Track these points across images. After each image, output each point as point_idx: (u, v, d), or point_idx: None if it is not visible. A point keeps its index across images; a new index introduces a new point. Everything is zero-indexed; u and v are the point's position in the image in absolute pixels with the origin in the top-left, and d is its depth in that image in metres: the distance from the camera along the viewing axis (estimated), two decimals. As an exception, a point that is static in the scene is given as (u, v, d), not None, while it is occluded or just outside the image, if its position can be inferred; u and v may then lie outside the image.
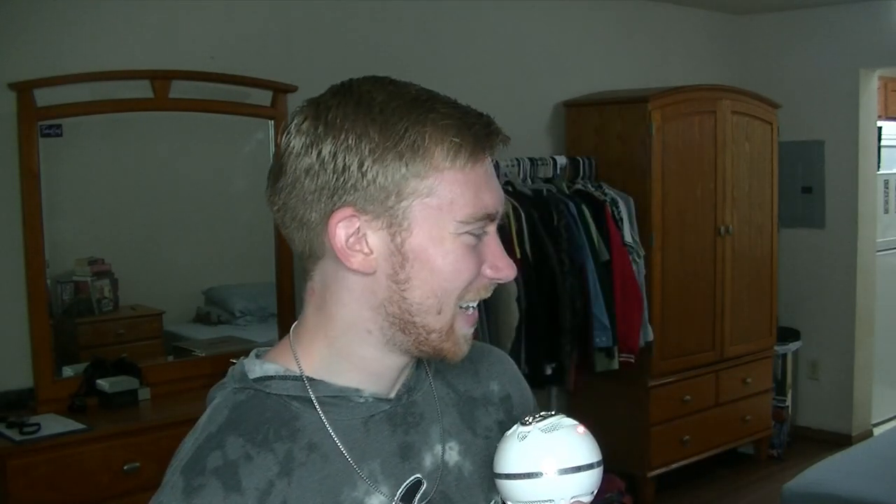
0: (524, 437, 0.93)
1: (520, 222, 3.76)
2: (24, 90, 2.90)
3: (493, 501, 1.01)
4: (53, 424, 2.74)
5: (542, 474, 0.91)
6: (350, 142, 0.87)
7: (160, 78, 3.15)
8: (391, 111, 0.87)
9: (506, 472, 0.93)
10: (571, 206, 3.96)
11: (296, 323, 0.99)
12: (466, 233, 0.89)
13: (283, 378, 0.94)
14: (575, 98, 4.53)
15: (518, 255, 3.71)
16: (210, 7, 3.40)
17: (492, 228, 0.93)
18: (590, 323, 3.92)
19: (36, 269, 2.95)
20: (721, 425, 4.64)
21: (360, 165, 0.87)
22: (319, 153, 0.88)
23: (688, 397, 4.45)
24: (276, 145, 0.96)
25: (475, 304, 0.94)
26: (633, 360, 4.07)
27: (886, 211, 5.68)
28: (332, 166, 0.87)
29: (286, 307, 3.55)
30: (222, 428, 0.91)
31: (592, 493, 0.93)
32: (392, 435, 0.95)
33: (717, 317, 4.62)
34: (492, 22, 4.30)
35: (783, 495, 3.36)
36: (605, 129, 4.38)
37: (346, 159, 0.87)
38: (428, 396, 1.00)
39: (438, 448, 0.98)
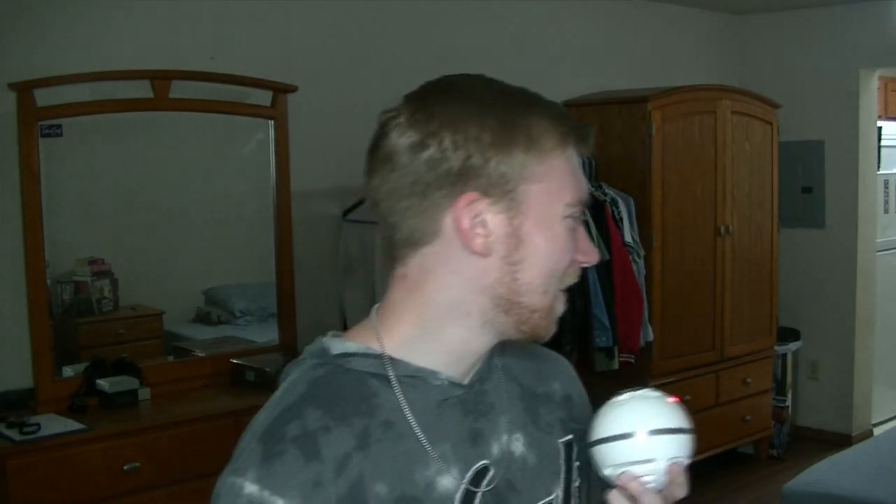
0: (620, 404, 0.97)
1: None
2: (24, 90, 2.90)
3: (553, 494, 1.04)
4: (53, 424, 2.74)
5: (634, 434, 0.94)
6: (471, 133, 0.93)
7: (160, 78, 3.15)
8: (501, 104, 0.95)
9: (600, 436, 0.96)
10: (571, 206, 3.96)
11: (377, 306, 1.04)
12: (569, 216, 0.96)
13: (364, 355, 0.98)
14: (575, 98, 4.53)
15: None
16: (210, 7, 3.40)
17: (580, 216, 0.99)
18: (590, 323, 3.92)
19: (36, 269, 2.95)
20: (721, 425, 4.63)
21: (483, 154, 0.93)
22: (440, 145, 0.93)
23: (688, 397, 4.44)
24: (380, 142, 1.05)
25: (562, 289, 0.99)
26: (633, 360, 4.07)
27: (886, 211, 5.68)
28: (454, 157, 0.93)
29: (286, 307, 3.55)
30: (300, 400, 0.95)
31: (687, 458, 0.96)
32: (463, 420, 0.99)
33: (717, 317, 4.62)
34: (492, 22, 4.30)
35: (783, 495, 3.37)
36: (605, 129, 4.38)
37: (469, 150, 0.93)
38: (497, 388, 1.04)
39: (505, 438, 1.02)
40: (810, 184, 5.36)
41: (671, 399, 0.98)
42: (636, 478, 0.94)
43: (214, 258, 3.65)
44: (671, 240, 4.35)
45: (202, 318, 3.59)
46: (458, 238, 0.94)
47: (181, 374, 3.23)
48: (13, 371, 2.95)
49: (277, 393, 0.98)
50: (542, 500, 1.03)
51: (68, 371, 3.04)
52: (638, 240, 4.17)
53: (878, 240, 5.50)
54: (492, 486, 0.98)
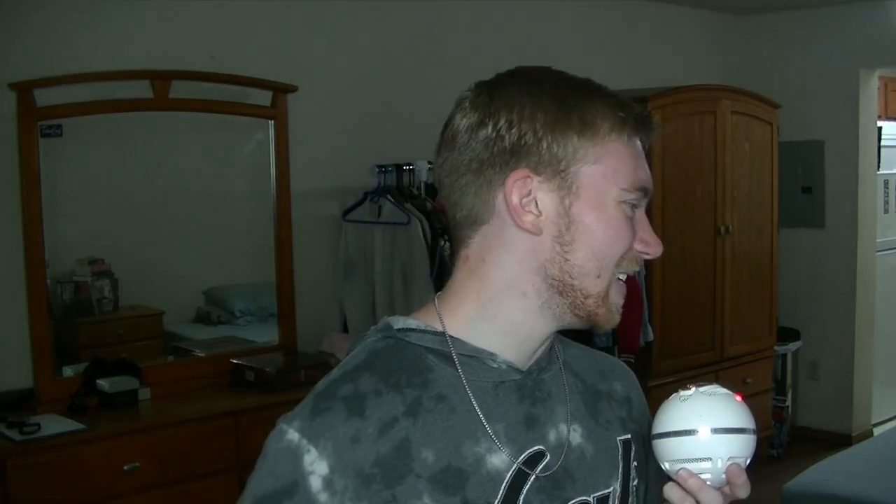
0: (685, 399, 0.96)
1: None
2: (24, 90, 2.90)
3: (611, 488, 1.04)
4: (53, 424, 2.73)
5: (696, 431, 0.93)
6: (526, 113, 0.96)
7: (160, 78, 3.15)
8: (562, 89, 0.99)
9: (663, 431, 0.95)
10: (571, 206, 3.96)
11: (441, 291, 1.06)
12: (625, 202, 0.97)
13: (424, 331, 1.00)
14: (575, 98, 4.53)
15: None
16: (210, 7, 3.40)
17: (643, 206, 1.00)
18: (590, 323, 3.91)
19: (36, 269, 2.95)
20: (721, 425, 4.63)
21: (536, 133, 0.96)
22: (496, 124, 0.97)
23: (688, 397, 4.44)
24: (447, 123, 1.05)
25: (625, 276, 1.00)
26: (633, 361, 4.07)
27: (886, 211, 5.68)
28: (508, 135, 0.96)
29: (286, 307, 3.55)
30: (358, 367, 0.98)
31: (747, 458, 0.95)
32: (519, 404, 1.00)
33: (717, 317, 4.63)
34: (492, 22, 4.30)
35: (783, 495, 3.37)
36: (605, 129, 4.38)
37: (522, 128, 0.96)
38: (556, 379, 1.05)
39: (563, 427, 1.03)
40: (810, 184, 5.36)
41: (736, 397, 0.97)
42: (694, 475, 0.94)
43: (214, 258, 3.65)
44: (671, 240, 4.35)
45: (202, 318, 3.59)
46: (509, 215, 0.97)
47: (181, 374, 3.23)
48: (13, 371, 2.95)
49: (340, 363, 1.02)
50: (599, 491, 1.03)
51: (68, 371, 3.04)
52: (638, 240, 4.17)
53: (878, 240, 5.50)
54: (549, 472, 0.99)
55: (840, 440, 5.10)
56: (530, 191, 0.96)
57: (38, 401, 2.91)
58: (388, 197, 3.59)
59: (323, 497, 0.91)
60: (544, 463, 0.99)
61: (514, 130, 0.96)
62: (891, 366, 5.65)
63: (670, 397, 0.98)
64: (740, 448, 0.94)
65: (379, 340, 1.01)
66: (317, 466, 0.91)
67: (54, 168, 3.02)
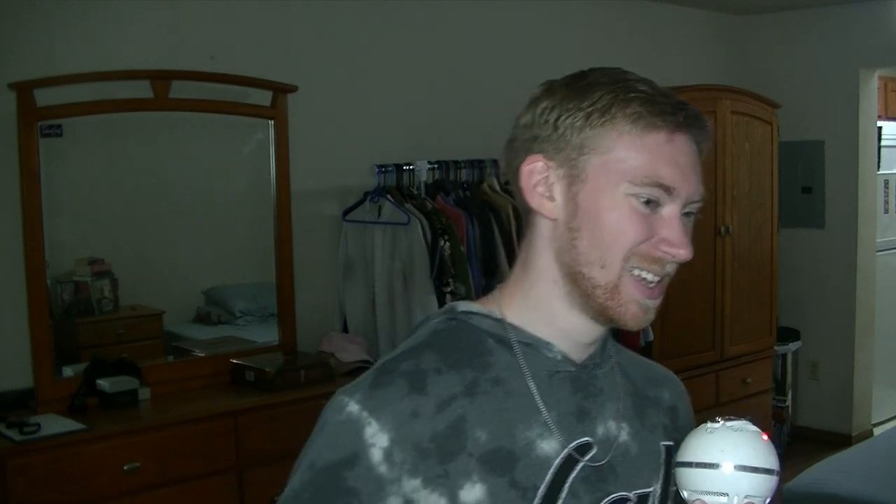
0: (711, 431, 0.96)
1: (520, 222, 3.76)
2: (24, 90, 2.90)
3: (652, 488, 1.06)
4: (53, 424, 2.73)
5: (719, 466, 0.93)
6: (556, 101, 1.00)
7: (160, 78, 3.15)
8: (595, 83, 1.00)
9: (686, 459, 0.96)
10: (571, 206, 3.96)
11: (504, 281, 1.09)
12: (634, 196, 0.96)
13: (485, 316, 1.03)
14: (575, 98, 4.53)
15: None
16: (210, 7, 3.40)
17: (672, 206, 0.98)
18: (590, 323, 3.92)
19: (36, 269, 2.95)
20: (721, 425, 4.63)
21: (556, 120, 0.99)
22: (534, 111, 1.01)
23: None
24: None
25: (650, 277, 0.99)
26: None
27: (886, 211, 5.68)
28: (539, 121, 1.01)
29: (286, 307, 3.55)
30: (420, 345, 1.01)
31: (766, 499, 0.95)
32: (572, 395, 1.02)
33: (717, 317, 4.62)
34: (492, 22, 4.30)
35: (783, 495, 3.36)
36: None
37: (549, 115, 1.00)
38: (609, 377, 1.07)
39: (612, 423, 1.04)
40: (810, 184, 5.36)
41: (766, 437, 0.96)
42: None
43: (214, 258, 3.65)
44: (671, 240, 4.35)
45: (202, 318, 3.59)
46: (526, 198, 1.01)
47: (181, 374, 3.23)
48: (13, 371, 2.95)
49: (405, 342, 1.05)
50: (640, 488, 1.05)
51: (68, 371, 3.04)
52: (638, 240, 4.17)
53: (878, 240, 5.51)
54: (595, 464, 1.01)
55: (840, 440, 5.10)
56: (547, 176, 0.99)
57: (38, 401, 2.91)
58: (388, 197, 3.59)
59: (383, 469, 0.92)
60: (591, 454, 1.01)
61: (540, 119, 1.00)
62: (891, 366, 5.65)
63: (698, 427, 0.98)
64: (759, 488, 0.94)
65: (442, 322, 1.04)
66: (377, 439, 0.93)
67: (54, 168, 3.02)
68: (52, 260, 3.02)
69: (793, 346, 5.24)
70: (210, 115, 3.34)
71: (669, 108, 0.98)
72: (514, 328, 1.02)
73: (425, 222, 3.50)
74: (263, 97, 3.45)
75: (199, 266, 3.61)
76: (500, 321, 1.02)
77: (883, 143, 5.55)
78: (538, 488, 0.97)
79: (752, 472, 0.93)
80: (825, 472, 3.45)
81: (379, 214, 3.61)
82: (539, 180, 1.00)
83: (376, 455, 0.93)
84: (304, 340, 3.57)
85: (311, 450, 0.97)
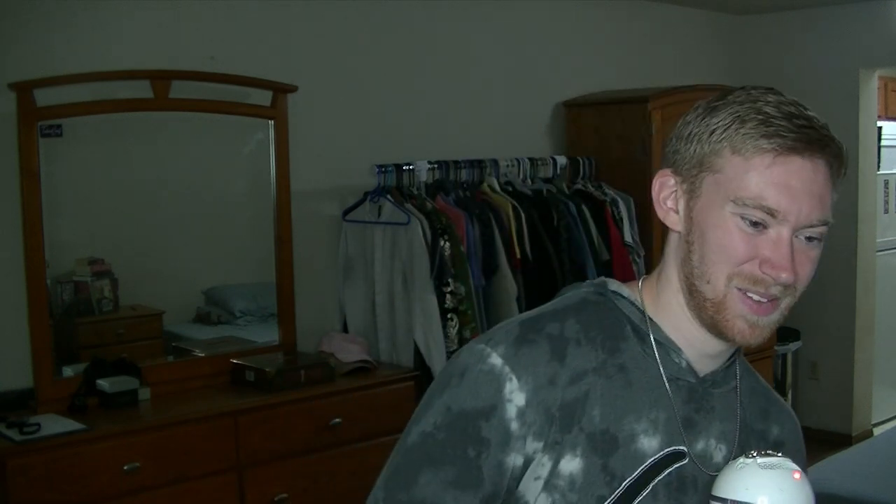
0: (742, 467, 0.95)
1: (520, 222, 3.76)
2: (24, 90, 2.90)
3: None
4: (53, 424, 2.73)
5: None
6: (695, 116, 1.03)
7: (160, 78, 3.15)
8: (731, 102, 1.01)
9: (718, 494, 0.96)
10: (571, 206, 3.96)
11: (647, 275, 1.13)
12: (740, 216, 0.98)
13: (631, 303, 1.07)
14: (575, 98, 4.53)
15: (518, 255, 3.72)
16: (210, 7, 3.40)
17: (780, 228, 0.98)
18: (590, 323, 3.91)
19: (36, 269, 2.95)
20: (721, 425, 4.63)
21: (688, 136, 1.03)
22: (680, 126, 1.06)
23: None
24: None
25: (756, 297, 0.99)
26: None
27: (886, 211, 5.68)
28: (678, 136, 1.05)
29: (286, 307, 3.54)
30: (568, 309, 1.05)
31: None
32: (686, 404, 1.05)
33: (717, 317, 4.62)
34: (492, 22, 4.30)
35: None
36: (605, 129, 4.38)
37: (685, 130, 1.04)
38: (725, 399, 1.09)
39: (713, 442, 1.07)
40: (810, 184, 5.35)
41: (799, 475, 0.95)
42: None
43: (214, 258, 3.64)
44: (671, 240, 4.35)
45: (202, 318, 3.59)
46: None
47: (181, 374, 3.23)
48: (13, 371, 2.95)
49: (550, 302, 1.09)
50: None
51: (68, 371, 3.04)
52: (638, 240, 4.17)
53: (878, 240, 5.50)
54: (682, 474, 1.03)
55: (840, 440, 5.10)
56: (675, 191, 1.04)
57: (38, 401, 2.91)
58: (388, 197, 3.59)
59: (514, 425, 0.97)
60: (682, 464, 1.03)
61: (679, 133, 1.04)
62: (891, 366, 5.65)
63: (737, 461, 0.98)
64: None
65: (592, 293, 1.08)
66: (515, 396, 0.97)
67: (54, 168, 3.02)
68: (52, 260, 3.02)
69: (793, 346, 5.24)
70: (210, 115, 3.34)
71: (784, 129, 0.97)
72: (654, 324, 1.05)
73: (425, 222, 3.50)
74: (263, 97, 3.45)
75: (199, 266, 3.61)
76: (643, 313, 1.06)
77: (883, 143, 5.55)
78: (625, 479, 1.00)
79: None
80: (825, 472, 3.45)
81: (379, 214, 3.61)
82: (668, 194, 1.05)
83: (511, 411, 0.97)
84: (304, 340, 3.57)
85: (448, 393, 0.99)
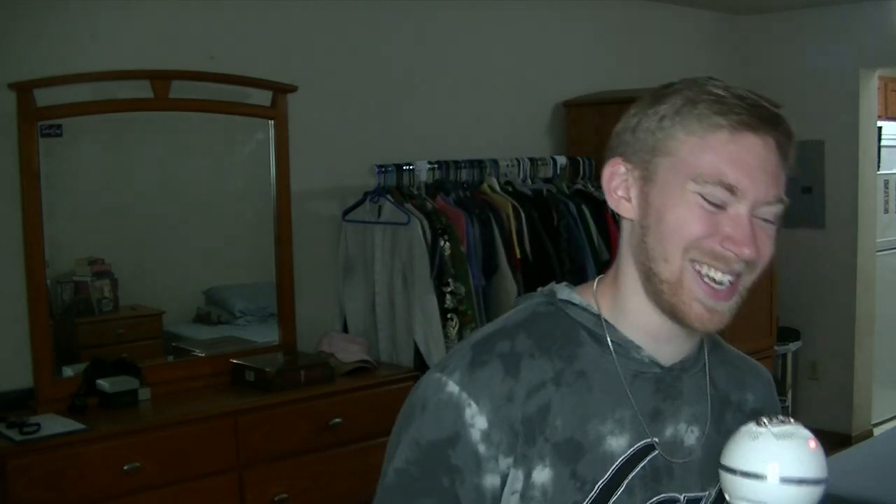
0: (756, 437, 0.95)
1: (520, 222, 3.76)
2: (24, 90, 2.90)
3: (707, 492, 1.07)
4: (53, 424, 2.73)
5: (764, 478, 0.92)
6: (640, 107, 1.05)
7: (160, 78, 3.15)
8: (676, 90, 1.03)
9: (730, 465, 0.95)
10: (571, 206, 3.96)
11: (602, 276, 1.13)
12: (698, 194, 0.98)
13: (583, 309, 1.07)
14: (575, 98, 4.53)
15: (518, 255, 3.71)
16: (210, 7, 3.40)
17: (739, 206, 0.98)
18: (590, 323, 3.91)
19: (36, 269, 2.95)
20: (721, 425, 4.62)
21: (635, 125, 1.04)
22: (624, 119, 1.07)
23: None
24: None
25: (718, 276, 0.99)
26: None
27: (886, 211, 5.68)
28: (624, 127, 1.06)
29: (286, 307, 3.54)
30: (517, 325, 1.05)
31: None
32: (652, 396, 1.05)
33: (717, 317, 4.62)
34: (491, 22, 4.30)
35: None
36: (605, 129, 4.34)
37: (631, 121, 1.05)
38: (693, 381, 1.09)
39: (682, 426, 1.07)
40: (810, 184, 5.36)
41: (814, 443, 0.95)
42: None
43: (214, 258, 3.64)
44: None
45: (202, 318, 3.59)
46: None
47: (181, 374, 3.23)
48: (13, 371, 2.95)
49: (501, 317, 1.09)
50: (693, 492, 1.07)
51: (68, 371, 3.04)
52: (638, 240, 4.17)
53: (878, 240, 5.50)
54: (655, 465, 1.03)
55: (840, 440, 5.09)
56: (626, 179, 1.04)
57: (38, 401, 2.91)
58: (388, 197, 3.59)
59: (482, 448, 0.98)
60: (654, 454, 1.04)
61: (625, 125, 1.06)
62: (891, 366, 5.65)
63: (744, 427, 0.97)
64: (801, 498, 0.93)
65: (542, 305, 1.08)
66: (476, 420, 0.98)
67: (54, 168, 3.02)
68: (52, 260, 3.02)
69: (793, 346, 5.24)
70: (210, 115, 3.34)
71: (737, 108, 0.98)
72: (609, 326, 1.05)
73: (425, 222, 3.50)
74: (263, 97, 3.45)
75: (199, 266, 3.61)
76: (598, 317, 1.06)
77: (883, 143, 5.55)
78: (597, 482, 1.00)
79: (797, 483, 0.92)
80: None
81: (379, 214, 3.61)
82: (619, 182, 1.05)
83: (475, 435, 0.98)
84: (304, 340, 3.57)
85: (413, 427, 1.01)
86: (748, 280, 1.02)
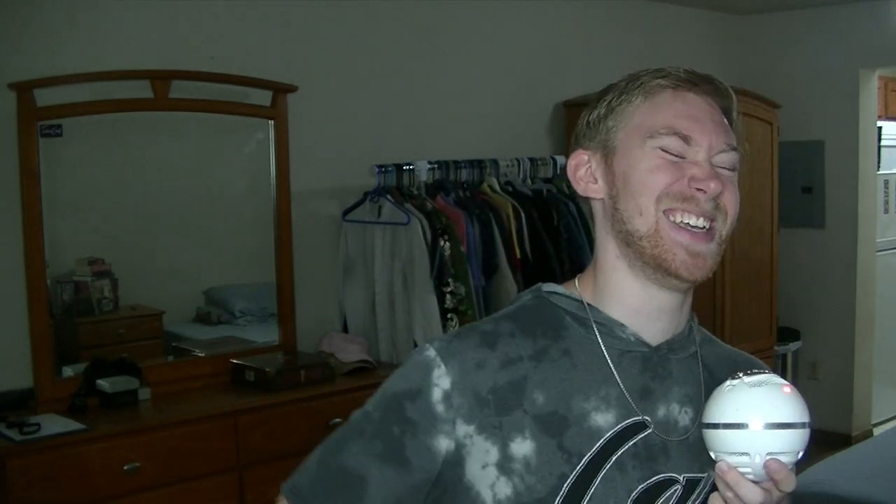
0: (730, 389, 0.96)
1: (520, 222, 3.76)
2: (24, 90, 2.90)
3: (706, 474, 1.07)
4: (53, 424, 2.73)
5: (746, 426, 0.92)
6: (590, 106, 1.13)
7: (160, 78, 3.15)
8: (621, 80, 1.13)
9: (712, 421, 0.96)
10: (571, 206, 3.96)
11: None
12: (658, 148, 1.05)
13: (566, 296, 1.12)
14: (575, 98, 4.53)
15: (518, 255, 3.72)
16: (210, 7, 3.40)
17: (697, 154, 1.05)
18: (590, 323, 3.91)
19: (36, 269, 2.95)
20: (721, 425, 4.62)
21: (588, 117, 1.12)
22: (579, 121, 1.15)
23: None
24: None
25: (692, 221, 1.04)
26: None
27: (886, 211, 5.68)
28: (579, 126, 1.14)
29: (286, 307, 3.54)
30: (504, 315, 1.12)
31: (798, 452, 0.93)
32: (640, 374, 1.07)
33: (717, 317, 4.62)
34: (491, 22, 4.30)
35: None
36: (605, 129, 4.37)
37: (585, 117, 1.13)
38: (684, 363, 1.11)
39: (675, 406, 1.09)
40: (810, 184, 5.36)
41: (789, 389, 0.95)
42: (732, 469, 0.94)
43: (214, 258, 3.64)
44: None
45: (202, 318, 3.59)
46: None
47: (181, 374, 3.23)
48: (13, 371, 2.95)
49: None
50: (692, 473, 1.07)
51: (68, 371, 3.04)
52: (638, 240, 4.17)
53: (878, 240, 5.51)
54: (648, 443, 1.05)
55: (840, 440, 5.09)
56: (589, 165, 1.11)
57: (38, 401, 2.91)
58: (388, 197, 3.59)
59: (440, 408, 1.03)
60: (646, 433, 1.05)
61: (580, 123, 1.13)
62: (891, 366, 5.65)
63: (722, 385, 0.98)
64: (782, 443, 0.92)
65: (529, 300, 1.14)
66: (441, 381, 1.04)
67: (54, 168, 3.02)
68: (52, 260, 3.02)
69: (793, 346, 5.24)
70: (210, 115, 3.34)
71: (674, 72, 1.10)
72: (592, 308, 1.09)
73: (425, 222, 3.50)
74: (263, 97, 3.45)
75: (199, 266, 3.61)
76: (580, 301, 1.10)
77: (883, 143, 5.55)
78: (584, 456, 1.02)
79: (771, 428, 0.92)
80: (825, 472, 3.44)
81: (379, 214, 3.61)
82: (583, 170, 1.11)
83: (437, 394, 1.03)
84: (304, 340, 3.57)
85: (388, 381, 1.10)
86: (723, 229, 1.07)
